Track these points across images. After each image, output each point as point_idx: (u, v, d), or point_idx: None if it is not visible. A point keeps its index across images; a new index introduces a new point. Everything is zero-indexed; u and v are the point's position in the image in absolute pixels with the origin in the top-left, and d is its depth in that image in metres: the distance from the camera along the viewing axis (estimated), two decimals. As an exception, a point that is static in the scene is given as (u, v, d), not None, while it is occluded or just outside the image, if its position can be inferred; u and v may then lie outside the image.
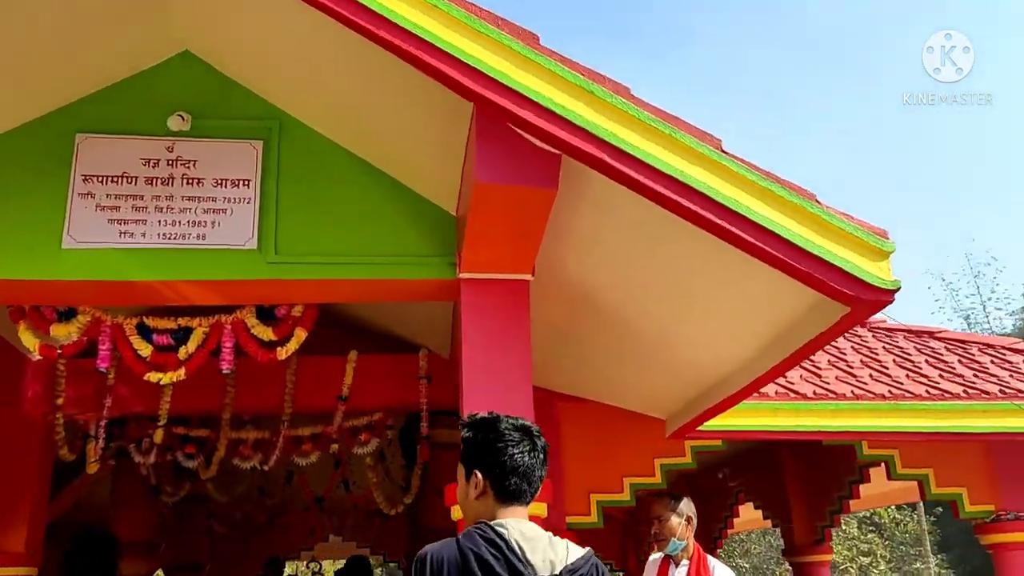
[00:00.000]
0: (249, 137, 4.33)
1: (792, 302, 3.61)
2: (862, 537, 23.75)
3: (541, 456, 2.17)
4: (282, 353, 4.22)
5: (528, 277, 4.29)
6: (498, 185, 3.40)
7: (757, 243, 3.19)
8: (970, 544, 28.04)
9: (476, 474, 2.11)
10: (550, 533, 2.11)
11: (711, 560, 3.89)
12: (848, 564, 22.32)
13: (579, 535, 6.38)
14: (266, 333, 4.25)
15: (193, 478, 8.17)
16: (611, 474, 6.67)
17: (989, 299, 31.78)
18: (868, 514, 23.67)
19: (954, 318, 32.80)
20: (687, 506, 3.98)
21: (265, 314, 4.29)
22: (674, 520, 3.92)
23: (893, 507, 22.61)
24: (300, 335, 4.26)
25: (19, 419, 6.01)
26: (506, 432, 2.11)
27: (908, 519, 24.13)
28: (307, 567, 13.07)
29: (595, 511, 6.58)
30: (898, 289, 3.19)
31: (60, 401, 6.05)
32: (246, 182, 4.18)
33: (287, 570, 14.82)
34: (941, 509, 25.59)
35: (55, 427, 6.07)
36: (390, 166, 4.38)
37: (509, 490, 2.08)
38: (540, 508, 4.13)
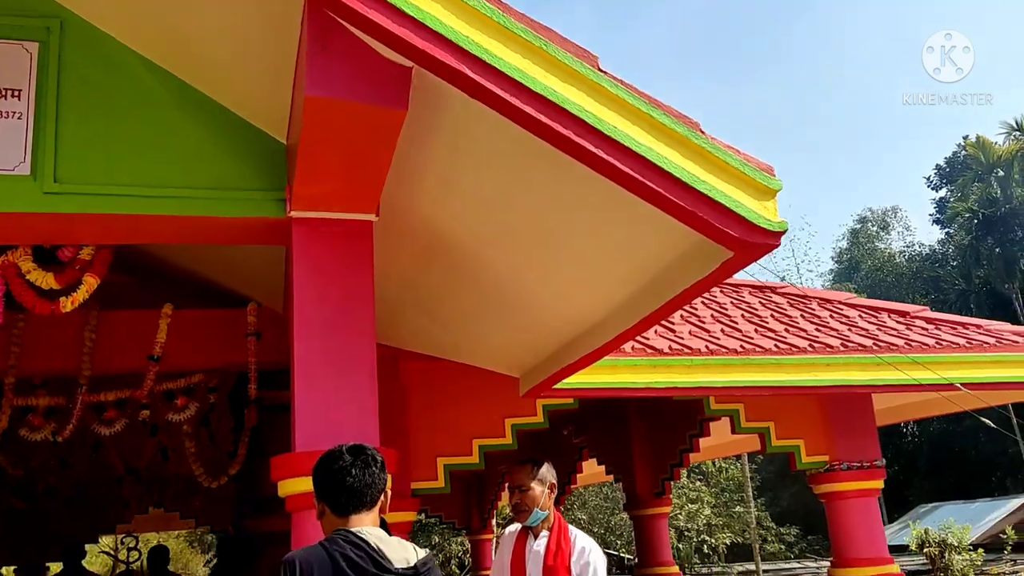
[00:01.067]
0: (22, 38, 3.49)
1: (667, 247, 3.26)
2: (690, 486, 24.90)
3: (369, 470, 2.44)
4: (66, 304, 3.47)
5: (371, 218, 3.74)
6: (335, 100, 2.83)
7: (636, 176, 2.79)
8: (781, 488, 30.21)
9: (317, 502, 2.44)
10: (394, 536, 2.38)
11: (572, 530, 3.55)
12: (678, 512, 23.33)
13: (425, 500, 5.99)
14: (46, 280, 3.48)
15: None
16: (460, 436, 6.29)
17: (802, 262, 33.72)
18: (695, 465, 24.84)
19: (770, 279, 34.80)
20: (549, 472, 3.62)
21: (45, 256, 3.51)
22: (536, 489, 3.55)
23: (720, 459, 23.80)
24: (90, 283, 3.51)
25: None
26: (336, 458, 2.42)
27: (732, 466, 25.49)
28: (122, 543, 11.95)
29: (443, 476, 6.17)
30: (784, 231, 2.90)
31: None
32: (16, 93, 3.36)
33: (100, 545, 13.62)
34: (761, 456, 27.31)
35: None
36: (204, 81, 3.68)
37: (346, 508, 2.36)
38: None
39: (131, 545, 10.80)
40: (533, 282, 4.16)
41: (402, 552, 2.32)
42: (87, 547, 12.78)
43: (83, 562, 9.19)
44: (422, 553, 2.39)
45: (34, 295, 3.46)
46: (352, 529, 2.32)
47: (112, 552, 13.38)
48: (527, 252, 3.92)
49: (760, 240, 2.87)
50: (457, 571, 23.06)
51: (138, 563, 8.94)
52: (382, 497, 2.48)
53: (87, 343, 5.54)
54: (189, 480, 9.48)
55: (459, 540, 24.45)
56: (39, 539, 10.63)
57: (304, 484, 3.47)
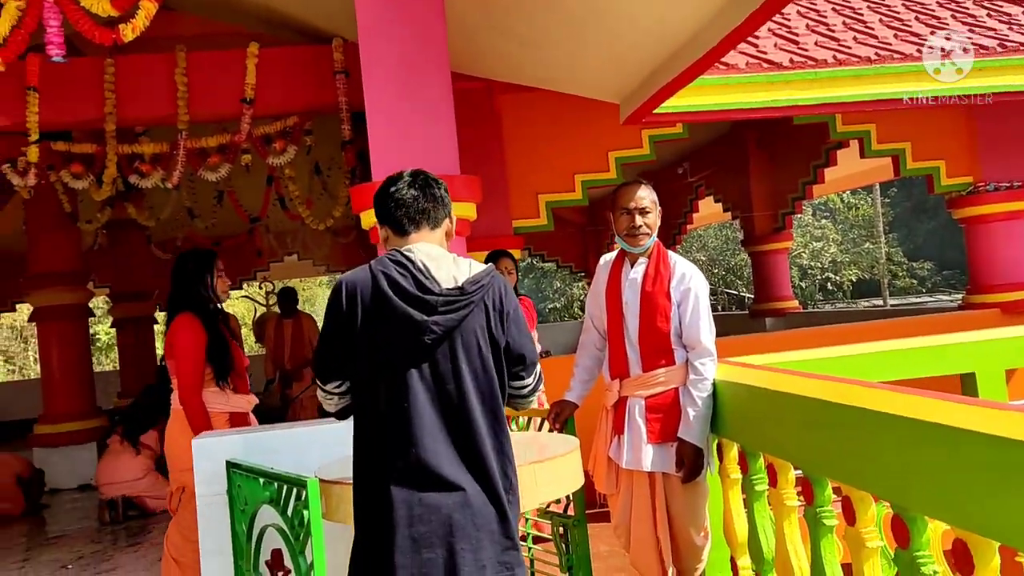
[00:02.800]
0: None
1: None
2: (815, 224, 24.20)
3: (427, 190, 2.26)
4: (127, 32, 3.28)
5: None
6: None
7: None
8: (915, 224, 28.92)
9: (380, 228, 2.28)
10: (455, 255, 2.22)
11: (672, 256, 3.31)
12: (801, 251, 22.90)
13: (530, 239, 5.90)
14: (102, 7, 3.27)
15: (111, 202, 7.46)
16: (561, 172, 6.04)
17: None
18: (821, 201, 23.94)
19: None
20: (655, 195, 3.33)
21: (98, -18, 3.28)
22: (658, 210, 3.27)
23: (847, 192, 22.80)
24: (148, 8, 3.28)
25: None
26: (393, 180, 2.26)
27: (863, 202, 24.46)
28: (260, 287, 12.80)
29: (544, 213, 6.02)
30: None
31: (-100, 115, 5.10)
32: None
33: (244, 291, 14.66)
34: (895, 190, 25.99)
35: (-98, 146, 5.17)
36: None
37: (402, 224, 2.21)
38: (468, 209, 3.47)
39: (268, 290, 11.55)
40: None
41: (453, 271, 2.12)
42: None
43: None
44: (479, 268, 2.18)
45: (92, 23, 3.28)
46: (405, 247, 2.17)
47: (251, 297, 14.48)
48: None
49: None
50: (580, 313, 23.84)
51: (275, 305, 9.51)
52: (447, 222, 2.28)
53: (180, 87, 5.45)
54: (316, 230, 9.83)
55: (580, 284, 25.10)
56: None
57: (385, 214, 3.36)
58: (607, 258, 3.51)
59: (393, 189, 2.24)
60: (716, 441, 3.20)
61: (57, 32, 3.21)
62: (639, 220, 3.21)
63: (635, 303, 3.24)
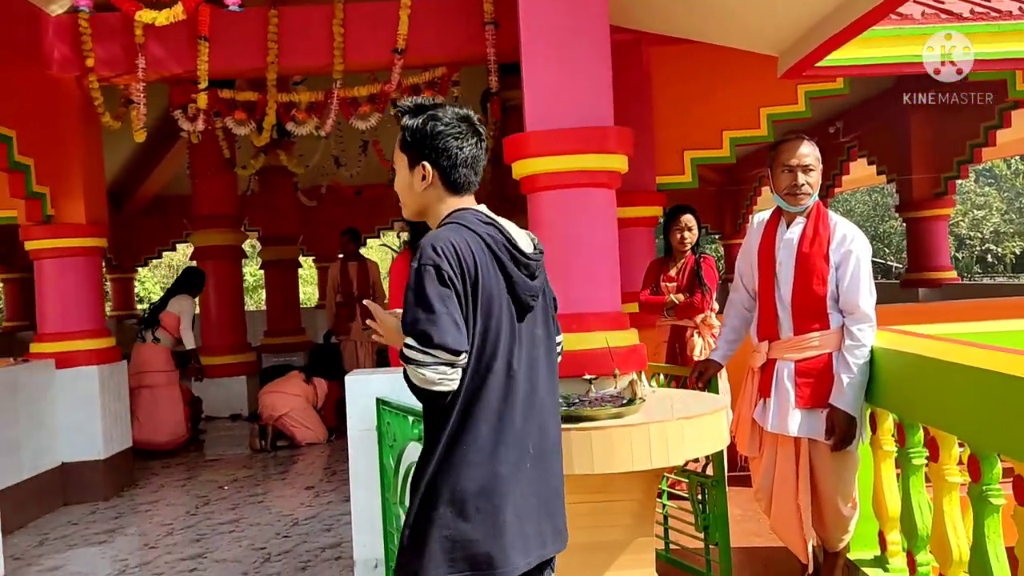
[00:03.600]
0: None
1: None
2: (977, 190, 22.59)
3: (483, 145, 2.04)
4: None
5: None
6: None
7: None
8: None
9: (424, 166, 1.98)
10: None
11: (832, 216, 3.17)
12: (959, 219, 21.47)
13: (671, 195, 5.78)
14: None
15: (265, 149, 7.84)
16: (709, 128, 5.88)
17: None
18: (985, 167, 22.29)
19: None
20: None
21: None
22: (821, 168, 3.15)
23: (1016, 158, 21.12)
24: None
25: (47, 82, 5.51)
26: (451, 123, 1.97)
27: (1031, 169, 22.67)
28: (397, 236, 13.16)
29: (689, 170, 5.88)
30: None
31: (90, 62, 5.48)
32: None
33: (382, 240, 15.10)
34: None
35: (91, 92, 5.56)
36: None
37: (458, 182, 1.99)
38: (620, 161, 3.43)
39: (405, 239, 11.89)
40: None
41: (523, 235, 1.99)
42: (368, 241, 14.34)
43: (363, 251, 10.18)
44: (534, 235, 2.08)
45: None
46: (481, 208, 1.98)
47: (388, 245, 14.90)
48: None
49: None
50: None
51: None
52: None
53: (337, 38, 5.61)
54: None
55: (713, 246, 24.49)
56: (326, 234, 11.97)
57: (537, 164, 3.37)
58: (760, 216, 3.40)
59: (450, 135, 1.95)
60: (870, 411, 3.08)
61: (235, -19, 3.37)
62: (801, 178, 3.09)
63: (789, 264, 3.14)
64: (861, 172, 10.49)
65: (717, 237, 15.16)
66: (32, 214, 5.42)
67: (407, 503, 2.98)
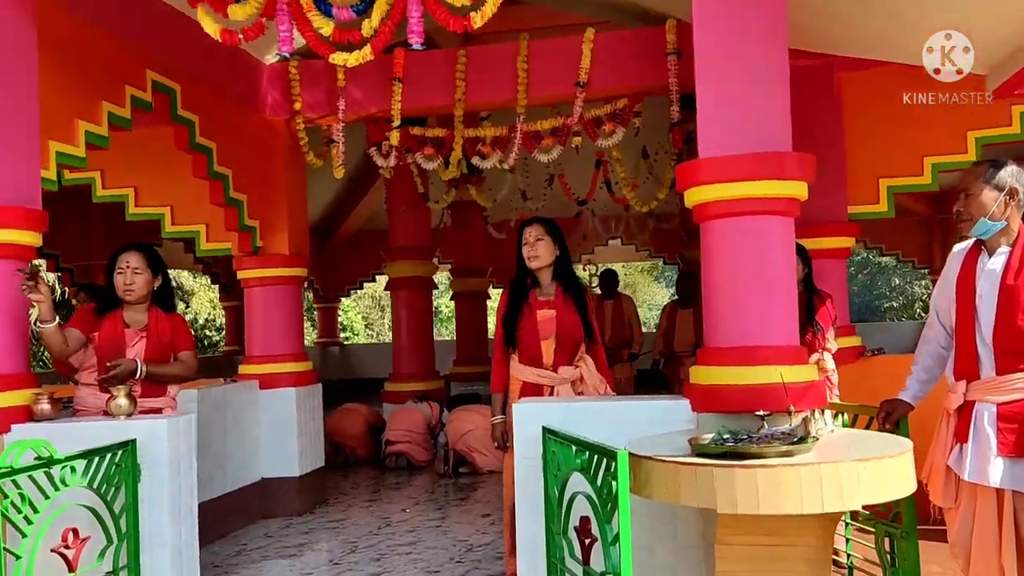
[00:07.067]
0: None
1: None
2: None
3: None
4: (477, 19, 3.53)
5: None
6: None
7: None
8: None
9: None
10: None
11: (1042, 244, 2.87)
12: None
13: (866, 229, 5.44)
14: (456, -5, 3.56)
15: (455, 184, 8.19)
16: (908, 153, 5.49)
17: None
18: None
19: None
20: (1011, 176, 2.90)
21: (450, -25, 3.57)
22: (987, 194, 2.88)
23: None
24: (496, -6, 3.51)
25: (262, 125, 6.04)
26: None
27: None
28: (584, 269, 13.25)
29: (885, 198, 5.52)
30: None
31: (297, 106, 5.98)
32: None
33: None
34: None
35: (297, 132, 6.05)
36: None
37: None
38: (800, 188, 3.28)
39: (592, 272, 11.95)
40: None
41: None
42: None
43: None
44: None
45: (447, 12, 3.58)
46: None
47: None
48: None
49: None
50: (922, 314, 21.63)
51: (596, 287, 9.80)
52: None
53: (520, 73, 5.78)
54: (639, 215, 9.97)
55: (923, 283, 22.78)
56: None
57: (709, 192, 3.28)
58: (960, 246, 3.14)
59: None
60: (1088, 463, 2.72)
61: (418, 21, 3.55)
62: (959, 206, 2.94)
63: (992, 297, 2.87)
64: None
65: (925, 271, 14.11)
66: (243, 246, 5.93)
67: (570, 534, 2.98)
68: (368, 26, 3.62)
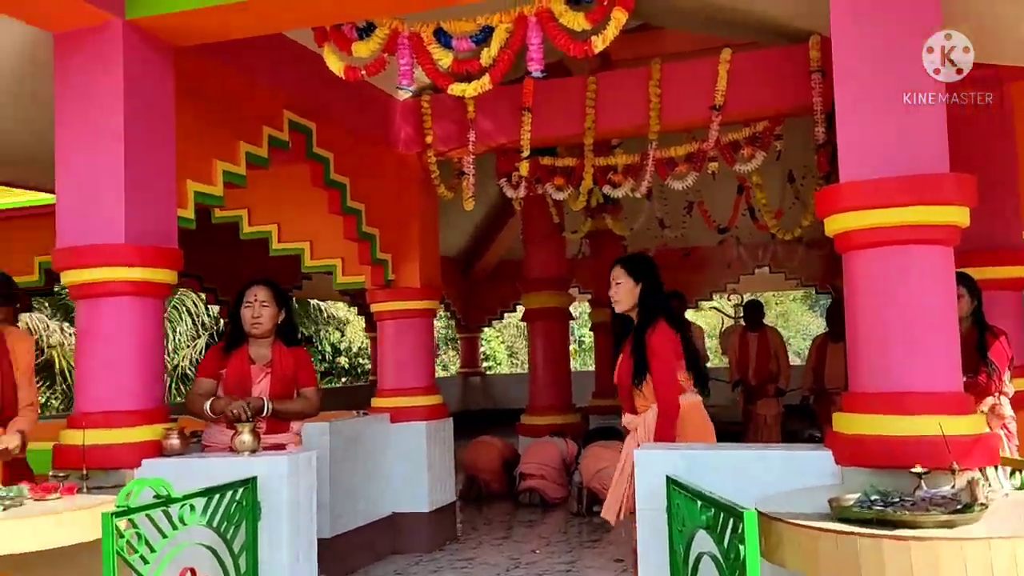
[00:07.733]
0: None
1: None
2: None
3: None
4: (598, 43, 3.36)
5: None
6: None
7: None
8: None
9: None
10: None
11: None
12: None
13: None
14: (577, 21, 3.40)
15: (592, 214, 8.03)
16: (1095, 168, 4.88)
17: None
18: None
19: None
20: None
21: (572, -2, 3.43)
22: None
23: None
24: (619, 18, 3.33)
25: (394, 160, 6.10)
26: None
27: None
28: (728, 299, 12.71)
29: (1068, 220, 4.91)
30: None
31: (429, 139, 6.00)
32: None
33: (713, 302, 14.67)
34: None
35: (429, 165, 6.07)
36: None
37: None
38: (958, 214, 2.90)
39: (736, 303, 11.42)
40: None
41: None
42: (699, 303, 14.01)
43: (690, 314, 9.95)
44: None
45: (567, 37, 3.44)
46: None
47: (720, 309, 14.44)
48: None
49: None
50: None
51: (740, 317, 9.33)
52: None
53: (653, 99, 5.56)
54: (785, 242, 9.46)
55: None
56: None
57: (853, 219, 2.95)
58: None
59: None
60: None
61: (537, 48, 3.43)
62: None
63: None
64: None
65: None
66: (376, 279, 5.98)
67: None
68: (487, 55, 3.54)
